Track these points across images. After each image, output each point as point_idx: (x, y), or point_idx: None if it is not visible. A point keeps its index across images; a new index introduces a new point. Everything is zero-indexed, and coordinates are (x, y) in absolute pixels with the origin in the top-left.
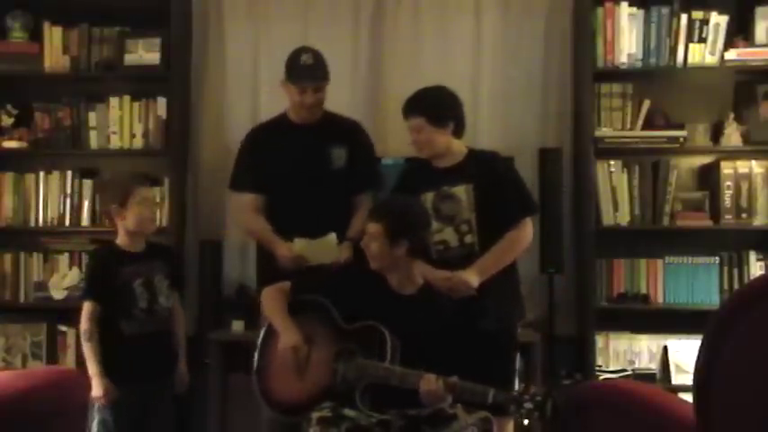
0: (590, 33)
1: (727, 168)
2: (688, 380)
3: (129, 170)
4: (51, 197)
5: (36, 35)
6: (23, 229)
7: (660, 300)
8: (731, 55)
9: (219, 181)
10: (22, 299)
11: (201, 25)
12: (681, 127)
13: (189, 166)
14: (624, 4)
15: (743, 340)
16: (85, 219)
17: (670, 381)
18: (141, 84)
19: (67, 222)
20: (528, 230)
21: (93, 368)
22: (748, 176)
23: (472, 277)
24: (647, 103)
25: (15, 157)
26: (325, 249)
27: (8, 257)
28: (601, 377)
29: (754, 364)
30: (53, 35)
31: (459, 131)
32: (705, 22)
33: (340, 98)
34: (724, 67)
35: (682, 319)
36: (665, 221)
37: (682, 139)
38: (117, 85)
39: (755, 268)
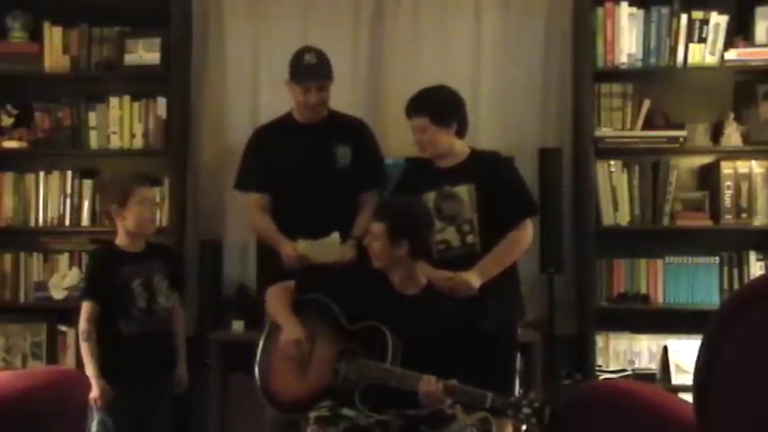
0: (590, 33)
1: (727, 168)
2: (688, 380)
3: (129, 170)
4: (51, 197)
5: (36, 35)
6: (23, 229)
7: (660, 300)
8: (731, 55)
9: (219, 181)
10: (22, 299)
11: (201, 25)
12: (681, 127)
13: (189, 166)
14: (624, 4)
15: (743, 340)
16: (85, 219)
17: (670, 381)
18: (141, 84)
19: (67, 222)
20: (528, 231)
21: (90, 369)
22: (748, 176)
23: (473, 278)
24: (647, 103)
25: (15, 157)
26: (329, 249)
27: (8, 257)
28: (601, 377)
29: (754, 364)
30: (53, 35)
31: (461, 132)
32: (705, 22)
33: (340, 98)
34: (724, 67)
35: (682, 319)
36: (665, 221)
37: (682, 139)
38: (117, 85)
39: (755, 268)
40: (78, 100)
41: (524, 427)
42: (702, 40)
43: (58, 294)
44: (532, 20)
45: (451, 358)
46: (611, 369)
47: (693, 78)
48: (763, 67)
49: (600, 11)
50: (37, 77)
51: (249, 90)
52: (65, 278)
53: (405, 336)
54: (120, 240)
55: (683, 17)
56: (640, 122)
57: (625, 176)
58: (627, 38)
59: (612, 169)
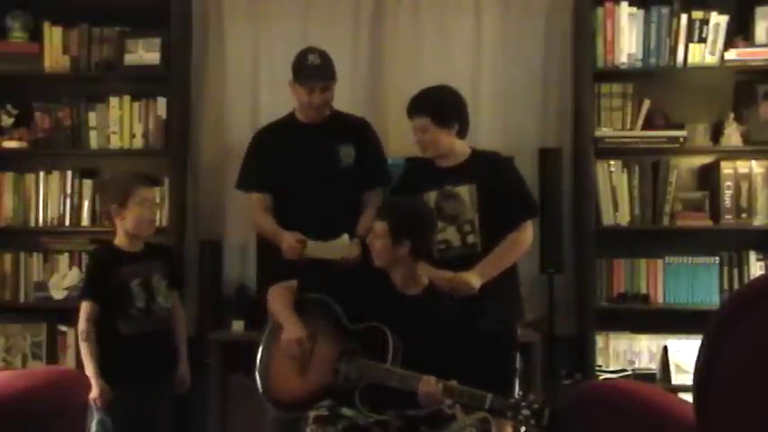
0: (590, 33)
1: (727, 168)
2: (688, 380)
3: (129, 170)
4: (51, 197)
5: (36, 35)
6: (23, 229)
7: (660, 300)
8: (731, 55)
9: (219, 181)
10: (22, 299)
11: (201, 25)
12: (681, 127)
13: (189, 166)
14: (624, 4)
15: (743, 340)
16: (85, 219)
17: (670, 381)
18: (141, 84)
19: (67, 222)
20: (529, 233)
21: (89, 369)
22: (748, 176)
23: (474, 279)
24: (647, 103)
25: (15, 157)
26: (337, 249)
27: (8, 257)
28: (601, 377)
29: (754, 364)
30: (53, 35)
31: (463, 132)
32: (705, 22)
33: (340, 98)
34: (724, 67)
35: (682, 319)
36: (665, 221)
37: (682, 139)
38: (117, 85)
39: (755, 268)
40: (78, 100)
41: (523, 429)
42: (702, 40)
43: (58, 294)
44: (532, 19)
45: (452, 359)
46: (611, 369)
47: (693, 78)
48: (763, 67)
49: (600, 11)
50: (37, 77)
51: (249, 90)
52: (65, 278)
53: (406, 336)
54: (119, 240)
55: (683, 17)
56: (640, 122)
57: (625, 176)
58: (627, 38)
59: (612, 169)
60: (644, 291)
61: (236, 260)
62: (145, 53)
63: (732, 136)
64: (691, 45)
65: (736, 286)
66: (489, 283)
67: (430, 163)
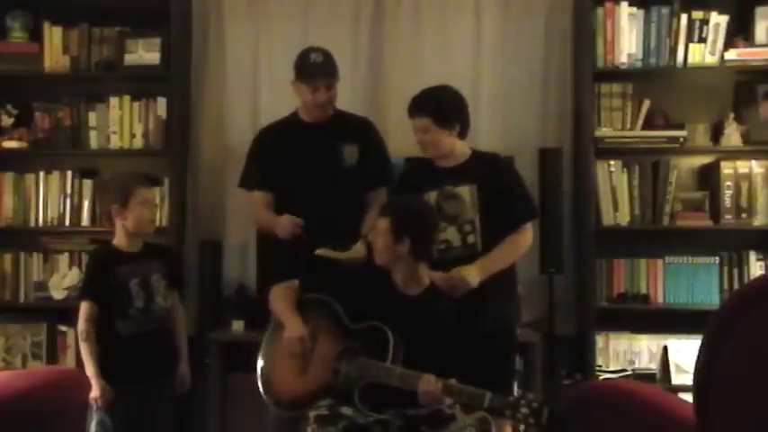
0: (590, 33)
1: (727, 168)
2: (688, 380)
3: (130, 170)
4: (51, 197)
5: (36, 35)
6: (23, 229)
7: (660, 300)
8: (731, 55)
9: (219, 181)
10: (22, 299)
11: (201, 25)
12: (681, 127)
13: (189, 166)
14: (624, 4)
15: (743, 340)
16: (85, 219)
17: (670, 381)
18: (141, 84)
19: (67, 222)
20: (529, 234)
21: (89, 369)
22: (748, 176)
23: (473, 273)
24: (647, 103)
25: (15, 157)
26: (352, 256)
27: (8, 257)
28: (601, 377)
29: (754, 364)
30: (53, 35)
31: (463, 133)
32: (705, 22)
33: (340, 98)
34: (724, 67)
35: (682, 319)
36: (665, 221)
37: (682, 139)
38: (117, 85)
39: (755, 268)
40: (78, 100)
41: (522, 428)
42: (702, 40)
43: (58, 294)
44: (532, 19)
45: (451, 359)
46: (611, 369)
47: (693, 78)
48: (763, 67)
49: (600, 11)
50: (37, 77)
51: (249, 90)
52: (65, 278)
53: (406, 336)
54: (118, 240)
55: (683, 17)
56: (640, 122)
57: (625, 176)
58: (627, 38)
59: (612, 169)
60: (644, 291)
61: (236, 260)
62: (145, 53)
63: (732, 136)
64: (691, 45)
65: (736, 286)
66: (487, 283)
67: (430, 163)
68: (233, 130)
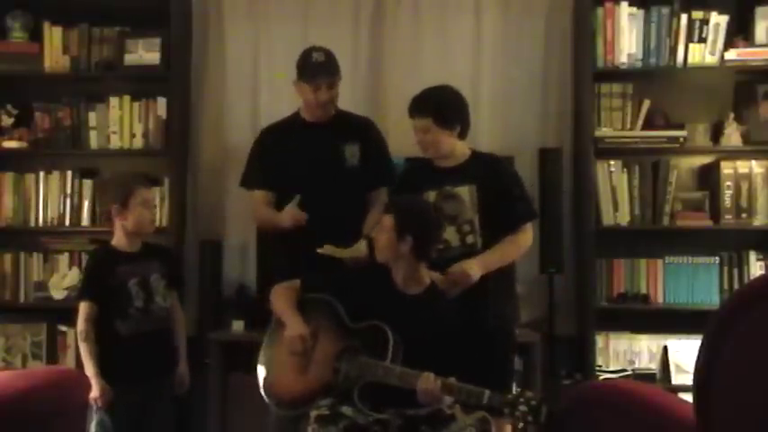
0: (590, 33)
1: (727, 168)
2: (688, 380)
3: (130, 170)
4: (51, 197)
5: (36, 35)
6: (23, 229)
7: (660, 300)
8: (731, 55)
9: (219, 181)
10: (22, 299)
11: (201, 25)
12: (681, 127)
13: (189, 166)
14: (624, 4)
15: (743, 340)
16: (85, 219)
17: (670, 381)
18: (141, 84)
19: (67, 222)
20: (529, 234)
21: (89, 369)
22: (748, 176)
23: (475, 268)
24: (647, 103)
25: (15, 157)
26: (354, 254)
27: (8, 257)
28: (601, 377)
29: (754, 364)
30: (53, 35)
31: (464, 133)
32: (705, 22)
33: (340, 98)
34: (724, 67)
35: (682, 319)
36: (665, 221)
37: (682, 139)
38: (117, 85)
39: (755, 268)
40: (78, 100)
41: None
42: (702, 40)
43: (58, 294)
44: (532, 19)
45: (451, 358)
46: (611, 369)
47: (693, 78)
48: (763, 67)
49: (600, 11)
50: (37, 77)
51: (249, 90)
52: (65, 278)
53: (406, 335)
54: (117, 241)
55: (683, 17)
56: (640, 122)
57: (625, 176)
58: (627, 38)
59: (612, 169)
60: (644, 291)
61: (236, 260)
62: (145, 53)
63: (732, 136)
64: (691, 45)
65: (736, 286)
66: (487, 279)
67: (429, 163)
68: (233, 130)
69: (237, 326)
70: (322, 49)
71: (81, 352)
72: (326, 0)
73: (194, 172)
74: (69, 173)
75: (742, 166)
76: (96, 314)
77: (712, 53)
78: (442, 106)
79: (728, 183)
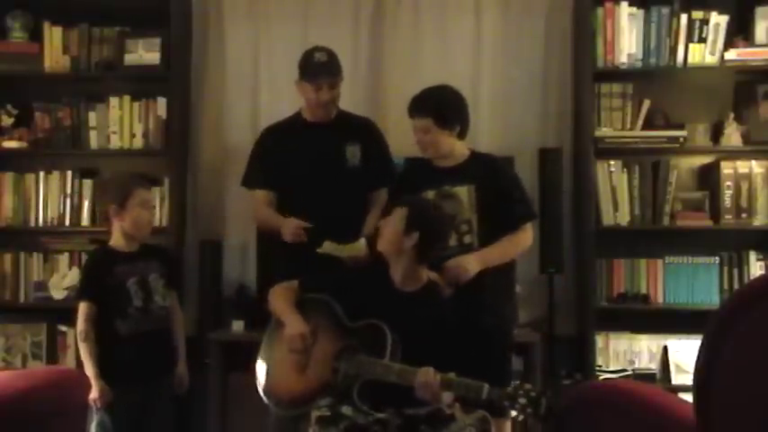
0: (590, 33)
1: (727, 168)
2: (688, 380)
3: (129, 170)
4: (51, 197)
5: (36, 35)
6: (23, 229)
7: (660, 300)
8: (731, 55)
9: (219, 181)
10: (22, 299)
11: (201, 25)
12: (681, 127)
13: (189, 166)
14: (624, 4)
15: (743, 340)
16: (85, 219)
17: (670, 381)
18: (141, 84)
19: (67, 222)
20: (529, 234)
21: (89, 369)
22: (748, 176)
23: (473, 263)
24: (647, 103)
25: (15, 157)
26: (353, 253)
27: (8, 257)
28: (601, 377)
29: (754, 364)
30: (53, 35)
31: (463, 133)
32: (705, 22)
33: (340, 98)
34: (724, 67)
35: (682, 319)
36: (665, 221)
37: (682, 139)
38: (117, 85)
39: (755, 268)
40: (78, 100)
41: (521, 418)
42: (702, 40)
43: (57, 294)
44: (532, 19)
45: (449, 355)
46: (611, 369)
47: (693, 78)
48: (763, 67)
49: (600, 11)
50: (37, 77)
51: (249, 90)
52: (65, 278)
53: (404, 332)
54: (115, 241)
55: (683, 17)
56: (640, 122)
57: (625, 176)
58: (627, 38)
59: (612, 169)
60: (644, 291)
61: (236, 260)
62: (145, 53)
63: (732, 136)
64: (691, 45)
65: (736, 286)
66: (485, 275)
67: (429, 163)
68: (233, 130)
69: (237, 326)
70: (324, 49)
71: (81, 352)
72: (326, 0)
73: (194, 172)
74: (69, 173)
75: (742, 166)
76: (96, 314)
77: (712, 53)
78: (442, 106)
79: (728, 183)
